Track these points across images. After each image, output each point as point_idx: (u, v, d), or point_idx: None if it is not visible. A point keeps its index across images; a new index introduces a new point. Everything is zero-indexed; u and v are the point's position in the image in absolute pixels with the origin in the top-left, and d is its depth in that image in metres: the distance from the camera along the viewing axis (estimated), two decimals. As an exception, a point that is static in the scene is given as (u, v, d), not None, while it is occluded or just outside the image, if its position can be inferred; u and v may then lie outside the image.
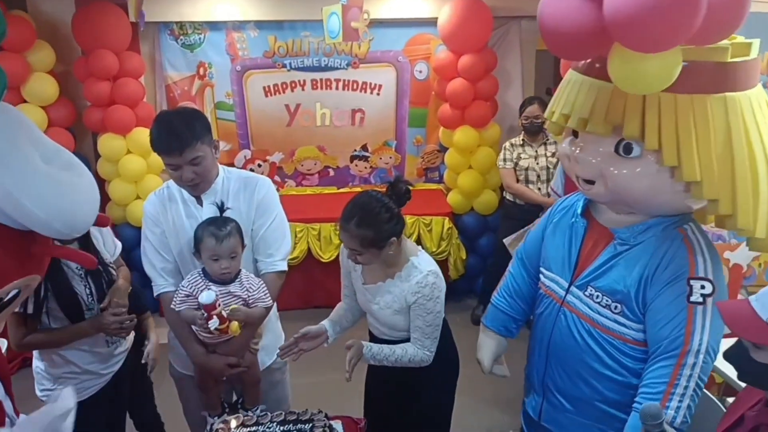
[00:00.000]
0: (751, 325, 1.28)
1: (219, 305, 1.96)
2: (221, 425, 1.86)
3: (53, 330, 2.10)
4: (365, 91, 4.91)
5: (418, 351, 2.07)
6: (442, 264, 4.68)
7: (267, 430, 1.86)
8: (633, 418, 1.60)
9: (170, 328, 2.20)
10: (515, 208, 4.33)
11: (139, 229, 4.49)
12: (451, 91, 4.56)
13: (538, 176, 4.17)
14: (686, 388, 1.54)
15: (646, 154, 1.55)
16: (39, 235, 1.13)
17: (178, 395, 2.41)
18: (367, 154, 5.10)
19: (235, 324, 2.02)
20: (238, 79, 4.80)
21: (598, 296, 1.71)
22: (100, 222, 1.31)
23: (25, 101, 4.15)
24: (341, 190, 5.06)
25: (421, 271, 2.02)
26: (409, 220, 4.55)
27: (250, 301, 2.09)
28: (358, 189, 5.07)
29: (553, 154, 4.12)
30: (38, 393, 2.24)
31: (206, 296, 1.94)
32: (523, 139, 4.24)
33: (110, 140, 4.37)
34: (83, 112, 4.42)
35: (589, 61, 1.64)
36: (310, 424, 1.88)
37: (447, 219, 4.60)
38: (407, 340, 2.11)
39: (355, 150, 5.08)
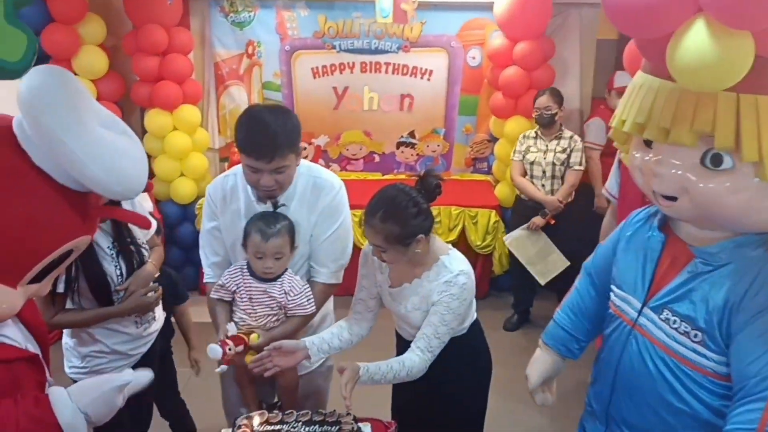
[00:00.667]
0: None
1: (229, 350, 1.86)
2: (244, 421, 1.78)
3: (82, 311, 2.07)
4: (415, 76, 4.77)
5: (414, 360, 1.89)
6: (487, 258, 4.55)
7: (292, 429, 1.77)
8: None
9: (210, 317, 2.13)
10: (521, 205, 4.21)
11: (182, 206, 4.56)
12: (504, 80, 4.38)
13: (544, 172, 3.99)
14: None
15: (741, 166, 1.34)
16: (94, 196, 1.20)
17: (221, 386, 2.34)
18: (414, 141, 4.96)
19: (254, 335, 1.94)
20: (287, 59, 4.71)
21: (675, 321, 1.52)
22: (142, 222, 1.41)
23: (75, 74, 4.15)
24: (386, 177, 4.95)
25: (452, 270, 1.90)
26: (454, 211, 4.42)
27: (288, 306, 2.00)
28: (403, 176, 4.96)
29: (564, 150, 3.94)
30: (66, 370, 2.22)
31: (212, 352, 1.86)
32: (536, 132, 4.06)
33: (157, 116, 4.36)
34: (131, 86, 4.41)
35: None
36: (337, 427, 1.78)
37: (494, 212, 4.44)
38: None
39: (402, 136, 4.95)
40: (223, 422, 2.35)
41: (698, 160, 1.38)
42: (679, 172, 1.41)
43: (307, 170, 2.03)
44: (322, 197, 2.03)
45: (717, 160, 1.36)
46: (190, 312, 2.76)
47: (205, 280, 2.17)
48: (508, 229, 4.31)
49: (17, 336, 1.28)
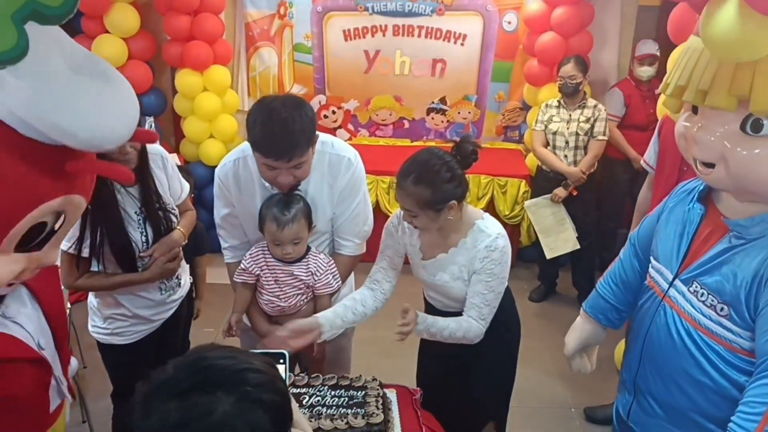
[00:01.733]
0: None
1: None
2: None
3: (106, 276, 2.06)
4: (449, 41, 4.67)
5: (472, 324, 1.89)
6: (514, 228, 4.50)
7: (318, 393, 1.77)
8: None
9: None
10: (542, 176, 4.11)
11: (211, 168, 4.57)
12: (540, 46, 4.26)
13: (567, 142, 3.86)
14: None
15: None
16: (76, 152, 1.07)
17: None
18: (444, 107, 4.88)
19: None
20: (318, 21, 4.65)
21: (703, 294, 1.49)
22: (145, 137, 1.20)
23: (107, 32, 4.14)
24: (415, 143, 4.89)
25: (489, 234, 1.86)
26: (483, 180, 4.36)
27: (315, 286, 1.99)
28: (432, 144, 4.89)
29: (588, 120, 3.81)
30: (90, 328, 2.24)
31: None
32: (558, 101, 3.92)
33: (187, 76, 4.34)
34: (162, 46, 4.39)
35: None
36: (363, 392, 1.78)
37: (524, 182, 4.37)
38: None
39: (433, 102, 4.88)
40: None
41: (738, 126, 1.35)
42: (718, 138, 1.39)
43: (321, 146, 1.92)
44: (341, 175, 1.97)
45: (757, 126, 1.33)
46: (205, 265, 2.77)
47: (225, 260, 2.14)
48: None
49: (29, 325, 1.23)
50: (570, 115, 3.85)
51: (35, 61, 0.97)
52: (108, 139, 1.07)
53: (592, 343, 1.92)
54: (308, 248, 1.98)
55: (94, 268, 2.06)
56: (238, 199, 1.99)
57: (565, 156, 3.88)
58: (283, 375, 1.20)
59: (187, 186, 2.31)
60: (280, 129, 1.71)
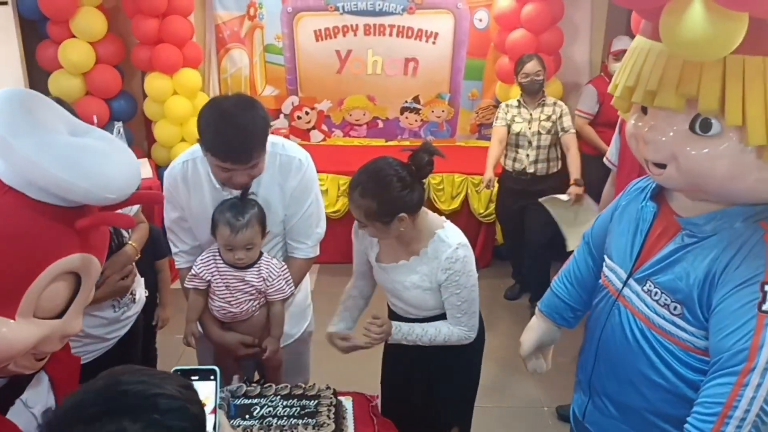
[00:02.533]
0: None
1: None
2: (222, 394, 1.76)
3: None
4: (420, 39, 4.66)
5: (453, 329, 1.92)
6: (489, 227, 4.49)
7: (270, 403, 1.75)
8: None
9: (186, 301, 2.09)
10: (506, 175, 3.96)
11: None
12: (511, 43, 4.27)
13: (529, 142, 3.78)
14: (747, 412, 1.30)
15: (728, 131, 1.31)
16: (84, 210, 1.12)
17: (198, 362, 2.29)
18: (418, 106, 4.87)
19: None
20: (289, 22, 4.62)
21: (656, 293, 1.48)
22: (124, 223, 1.27)
23: (73, 36, 4.09)
24: (389, 143, 4.88)
25: (450, 244, 1.85)
26: (457, 179, 4.35)
27: (268, 292, 1.96)
28: (407, 143, 4.88)
29: (548, 118, 3.72)
30: None
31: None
32: (518, 101, 3.82)
33: (157, 80, 4.29)
34: (131, 49, 4.35)
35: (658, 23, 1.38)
36: (316, 401, 1.76)
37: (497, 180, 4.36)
38: (435, 318, 1.95)
39: (406, 101, 4.87)
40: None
41: (687, 126, 1.35)
42: (669, 138, 1.39)
43: (271, 147, 1.88)
44: (291, 176, 1.95)
45: (706, 126, 1.33)
46: (168, 269, 2.72)
47: (177, 266, 2.10)
48: (500, 203, 4.11)
49: (37, 402, 1.21)
50: (531, 115, 3.77)
51: (39, 127, 1.04)
52: (112, 188, 1.11)
53: (547, 343, 1.92)
54: (261, 254, 1.96)
55: None
56: (187, 201, 1.96)
57: (527, 155, 3.79)
58: (213, 392, 1.17)
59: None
60: (235, 132, 1.69)
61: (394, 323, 1.91)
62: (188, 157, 1.95)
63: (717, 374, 1.35)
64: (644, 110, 1.47)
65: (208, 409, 1.07)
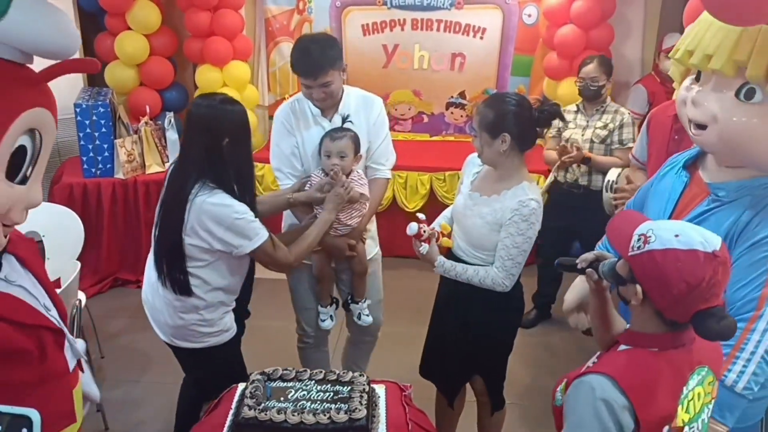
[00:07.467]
0: None
1: (423, 232, 2.10)
2: (258, 376, 1.81)
3: (299, 231, 2.35)
4: (468, 34, 4.62)
5: (491, 271, 2.08)
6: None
7: (304, 387, 1.79)
8: None
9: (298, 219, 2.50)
10: (555, 186, 3.57)
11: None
12: (560, 39, 4.20)
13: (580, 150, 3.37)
14: (753, 353, 1.48)
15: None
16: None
17: (289, 285, 2.65)
18: (464, 101, 4.84)
19: (446, 240, 2.21)
20: (337, 16, 4.65)
21: None
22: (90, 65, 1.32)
23: (129, 29, 4.23)
24: (434, 139, 4.87)
25: (527, 194, 2.02)
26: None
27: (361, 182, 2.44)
28: (451, 138, 4.87)
29: (605, 126, 3.37)
30: (194, 345, 2.20)
31: (410, 229, 2.09)
32: (577, 105, 3.52)
33: (207, 72, 4.40)
34: (184, 42, 4.46)
35: None
36: (349, 387, 1.79)
37: (542, 177, 4.30)
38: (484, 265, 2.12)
39: (452, 97, 4.84)
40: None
41: (733, 93, 1.50)
42: (714, 101, 1.54)
43: (354, 90, 2.50)
44: (373, 111, 2.49)
45: (750, 93, 1.49)
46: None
47: (284, 187, 2.50)
48: (548, 215, 3.65)
49: (17, 277, 1.28)
50: (587, 122, 3.46)
51: None
52: (77, 43, 1.24)
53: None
54: (352, 170, 2.39)
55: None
56: (298, 128, 2.45)
57: (579, 165, 3.43)
58: None
59: None
60: (304, 53, 2.27)
61: (440, 258, 2.14)
62: (293, 99, 2.51)
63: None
64: (697, 78, 1.62)
65: None
